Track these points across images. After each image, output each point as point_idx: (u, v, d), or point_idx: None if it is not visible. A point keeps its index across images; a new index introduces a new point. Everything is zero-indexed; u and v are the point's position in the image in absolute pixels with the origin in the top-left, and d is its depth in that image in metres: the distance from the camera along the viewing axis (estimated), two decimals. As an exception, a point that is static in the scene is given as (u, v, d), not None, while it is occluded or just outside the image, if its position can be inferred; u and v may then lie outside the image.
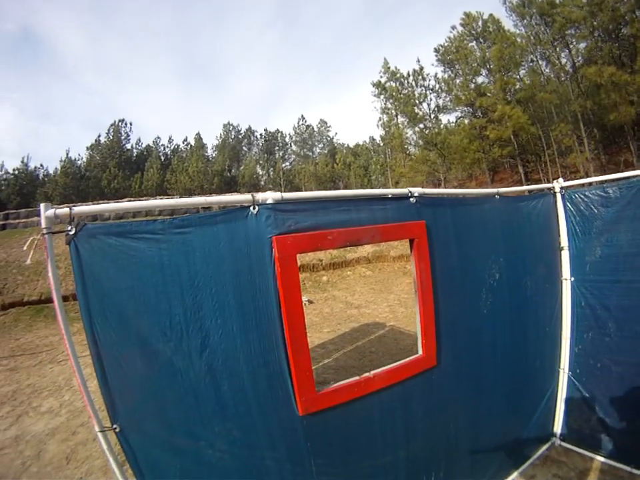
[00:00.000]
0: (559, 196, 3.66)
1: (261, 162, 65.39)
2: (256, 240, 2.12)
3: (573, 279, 3.62)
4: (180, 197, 30.53)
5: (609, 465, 3.37)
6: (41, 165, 54.69)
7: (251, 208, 2.12)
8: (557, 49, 31.05)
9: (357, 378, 2.42)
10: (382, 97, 42.13)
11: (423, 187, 2.79)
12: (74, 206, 1.86)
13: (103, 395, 1.91)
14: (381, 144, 54.32)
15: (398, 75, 40.55)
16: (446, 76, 37.99)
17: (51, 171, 53.79)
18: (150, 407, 2.03)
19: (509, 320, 3.31)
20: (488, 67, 32.98)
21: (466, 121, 37.63)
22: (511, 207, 3.39)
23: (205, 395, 2.06)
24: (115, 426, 1.92)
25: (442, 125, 40.49)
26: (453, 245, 2.90)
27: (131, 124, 59.71)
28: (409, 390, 2.65)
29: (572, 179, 3.80)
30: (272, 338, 2.16)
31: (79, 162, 54.96)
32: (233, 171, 64.07)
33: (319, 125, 67.87)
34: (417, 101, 39.80)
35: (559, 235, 3.66)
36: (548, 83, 31.20)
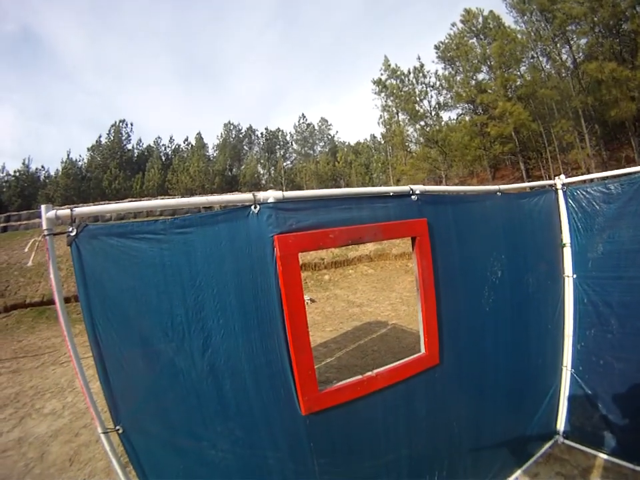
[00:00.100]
0: (560, 192, 3.64)
1: (262, 161, 65.48)
2: (257, 239, 2.11)
3: (575, 275, 3.61)
4: (181, 197, 30.54)
5: (612, 463, 3.37)
6: (42, 167, 54.94)
7: (252, 207, 2.11)
8: (558, 45, 31.03)
9: (359, 377, 2.41)
10: (383, 94, 42.16)
11: (424, 185, 2.78)
12: (75, 207, 1.86)
13: (106, 396, 1.90)
14: (382, 142, 54.43)
15: (398, 73, 40.53)
16: (446, 73, 38.05)
17: (52, 173, 54.09)
18: (152, 408, 2.03)
19: (511, 317, 3.30)
20: (488, 63, 32.97)
21: (467, 118, 37.60)
22: (513, 204, 3.39)
23: (207, 395, 2.05)
24: (117, 427, 1.92)
25: (443, 122, 40.46)
26: (454, 243, 2.89)
27: (131, 124, 59.90)
28: (412, 388, 2.65)
29: (573, 176, 3.80)
30: (274, 337, 2.15)
31: (80, 163, 55.15)
32: (234, 170, 64.13)
33: (320, 124, 67.94)
34: (418, 98, 39.78)
35: (561, 232, 3.65)
36: (549, 79, 31.23)
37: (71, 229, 1.80)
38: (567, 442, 3.71)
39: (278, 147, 67.93)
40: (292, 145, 68.36)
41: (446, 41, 36.94)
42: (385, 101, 42.57)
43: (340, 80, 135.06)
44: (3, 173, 50.15)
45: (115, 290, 1.91)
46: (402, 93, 40.28)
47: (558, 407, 3.73)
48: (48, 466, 4.36)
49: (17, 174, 50.16)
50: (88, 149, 56.69)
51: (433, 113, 40.43)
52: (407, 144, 42.24)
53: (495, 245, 3.18)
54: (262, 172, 64.82)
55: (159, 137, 63.64)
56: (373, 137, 65.23)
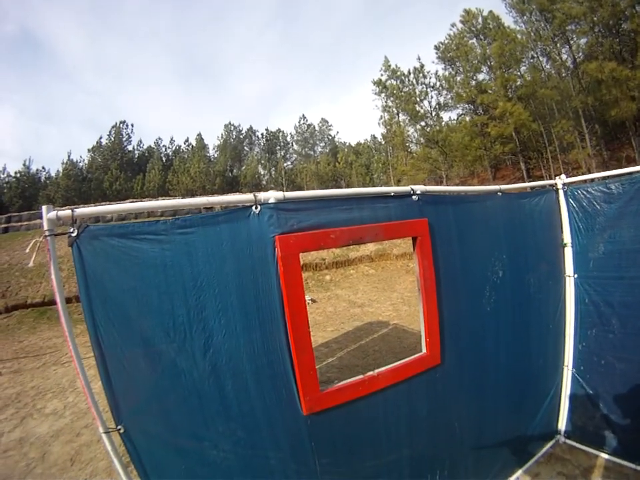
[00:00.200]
0: (561, 192, 3.64)
1: (262, 162, 65.48)
2: (258, 239, 2.11)
3: (576, 275, 3.61)
4: (182, 198, 30.56)
5: (613, 462, 3.37)
6: (43, 168, 54.97)
7: (253, 207, 2.11)
8: (558, 45, 31.04)
9: (360, 377, 2.42)
10: (383, 95, 42.17)
11: (424, 185, 2.78)
12: (76, 208, 1.86)
13: (107, 396, 1.91)
14: (383, 142, 54.39)
15: (399, 73, 40.55)
16: (447, 73, 38.06)
17: (53, 174, 54.14)
18: (154, 408, 2.04)
19: (512, 317, 3.30)
20: (488, 63, 32.97)
21: (467, 118, 37.59)
22: (514, 204, 3.38)
23: (209, 395, 2.05)
24: (119, 427, 1.92)
25: (443, 123, 40.50)
26: (455, 243, 2.89)
27: (132, 125, 60.04)
28: (413, 388, 2.65)
29: (574, 175, 3.79)
30: (275, 337, 2.15)
31: (81, 164, 55.19)
32: (234, 171, 64.16)
33: (320, 124, 67.93)
34: (418, 99, 39.81)
35: (562, 232, 3.65)
36: (549, 79, 31.23)
37: (72, 230, 1.80)
38: (568, 442, 3.71)
39: (278, 147, 67.93)
40: (292, 145, 68.44)
41: (446, 42, 36.97)
42: (385, 102, 42.62)
43: (340, 80, 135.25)
44: (3, 174, 50.23)
45: (116, 290, 1.91)
46: (402, 93, 40.31)
47: (559, 407, 3.73)
48: (49, 466, 4.36)
49: (18, 175, 50.20)
50: (88, 150, 56.81)
51: (434, 113, 40.50)
52: (407, 144, 42.27)
53: (496, 245, 3.18)
54: (262, 173, 64.85)
55: (160, 138, 63.80)
56: (374, 137, 65.31)
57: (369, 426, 2.51)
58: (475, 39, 35.28)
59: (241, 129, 67.10)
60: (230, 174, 62.33)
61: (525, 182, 28.44)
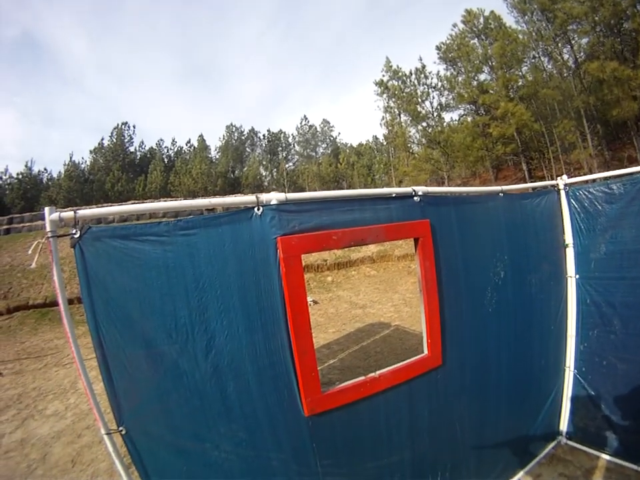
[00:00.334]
0: (563, 193, 3.64)
1: (264, 163, 65.51)
2: (260, 241, 2.12)
3: (577, 276, 3.61)
4: (184, 199, 30.59)
5: (615, 463, 3.36)
6: (45, 169, 54.92)
7: (255, 209, 2.12)
8: (559, 44, 30.99)
9: (362, 378, 2.42)
10: (384, 95, 42.14)
11: (426, 186, 2.78)
12: (78, 209, 1.86)
13: (109, 397, 1.91)
14: (384, 143, 54.37)
15: (400, 74, 40.52)
16: (448, 74, 37.96)
17: (55, 175, 54.16)
18: (156, 409, 2.04)
19: (514, 318, 3.30)
20: (490, 64, 32.90)
21: (469, 119, 37.53)
22: (515, 205, 3.38)
23: (211, 396, 2.06)
24: (120, 428, 1.92)
25: (445, 123, 40.43)
26: (457, 244, 2.89)
27: (134, 127, 60.00)
28: (415, 390, 2.65)
29: (576, 176, 3.79)
30: (277, 339, 2.16)
31: (83, 165, 55.31)
32: (236, 172, 64.20)
33: (322, 125, 67.93)
34: (420, 99, 39.77)
35: (564, 232, 3.65)
36: (550, 79, 31.18)
37: (74, 231, 1.80)
38: (569, 443, 3.70)
39: (280, 148, 67.94)
40: (294, 146, 68.39)
41: (447, 42, 36.88)
42: (387, 102, 42.58)
43: (342, 81, 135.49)
44: (6, 175, 50.24)
45: (118, 291, 1.91)
46: (404, 94, 40.28)
47: (561, 408, 3.73)
48: (50, 467, 4.37)
49: (20, 176, 50.25)
50: (90, 152, 56.94)
51: (435, 114, 40.42)
52: (409, 145, 42.24)
53: (498, 246, 3.18)
54: (264, 174, 64.86)
55: (161, 139, 64.16)
56: (375, 138, 65.25)
57: (370, 427, 2.51)
58: (476, 39, 35.22)
59: (242, 130, 67.25)
60: (232, 175, 62.38)
61: (526, 182, 28.37)
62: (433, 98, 40.16)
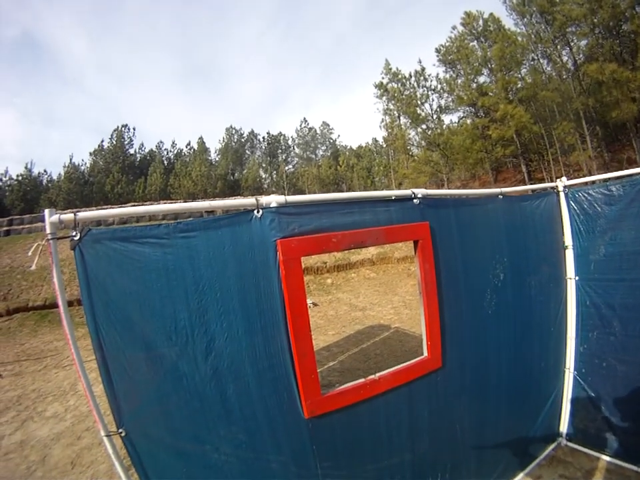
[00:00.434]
0: (562, 195, 3.65)
1: (263, 165, 65.54)
2: (260, 243, 2.12)
3: (577, 278, 3.61)
4: (183, 201, 30.59)
5: (615, 465, 3.36)
6: (45, 171, 54.92)
7: (255, 211, 2.12)
8: (558, 46, 31.03)
9: (362, 380, 2.42)
10: (384, 98, 42.16)
11: (426, 188, 2.79)
12: (78, 211, 1.86)
13: (109, 399, 1.91)
14: (384, 145, 54.35)
15: (400, 76, 40.54)
16: (447, 76, 37.97)
17: (55, 177, 54.12)
18: (155, 411, 2.04)
19: (513, 320, 3.30)
20: (489, 66, 32.93)
21: (468, 121, 37.52)
22: (515, 207, 3.39)
23: (211, 398, 2.06)
24: (120, 430, 1.92)
25: (444, 126, 40.45)
26: (457, 246, 2.90)
27: (134, 129, 60.00)
28: (415, 392, 2.65)
29: (575, 178, 3.79)
30: (277, 341, 2.16)
31: (83, 167, 55.25)
32: (236, 174, 64.20)
33: (322, 127, 68.01)
34: (419, 102, 39.77)
35: (563, 234, 3.66)
36: (550, 81, 31.19)
37: (74, 233, 1.81)
38: (570, 444, 3.70)
39: (280, 151, 68.02)
40: (294, 149, 68.46)
41: (447, 44, 36.94)
42: (387, 105, 42.61)
43: (341, 84, 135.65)
44: (5, 177, 50.24)
45: (118, 294, 1.91)
46: (403, 96, 40.30)
47: (561, 410, 3.73)
48: (50, 469, 4.36)
49: (20, 178, 50.21)
50: (90, 154, 56.89)
51: (435, 116, 40.42)
52: (408, 147, 42.24)
53: (497, 248, 3.19)
54: (264, 176, 64.86)
55: (161, 142, 64.00)
56: (375, 140, 65.23)
57: (370, 429, 2.51)
58: (475, 41, 35.24)
59: (242, 132, 67.31)
60: (231, 177, 62.38)
61: (526, 184, 28.33)
62: (433, 100, 40.20)
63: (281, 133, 68.51)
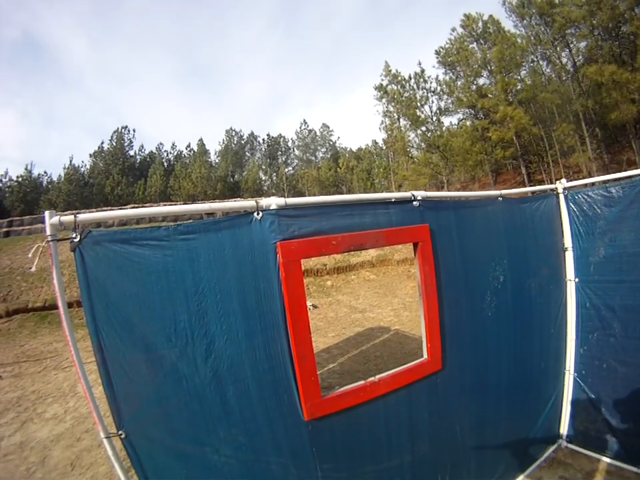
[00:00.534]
0: (562, 197, 3.65)
1: (263, 167, 65.61)
2: (260, 246, 2.12)
3: (577, 279, 3.61)
4: (183, 203, 30.59)
5: (615, 466, 3.36)
6: (45, 172, 54.98)
7: (255, 214, 2.12)
8: (558, 48, 31.08)
9: (362, 382, 2.42)
10: (384, 100, 42.15)
11: (425, 190, 2.79)
12: (78, 213, 1.87)
13: (109, 401, 1.91)
14: (384, 147, 54.35)
15: (399, 78, 40.55)
16: (447, 78, 38.00)
17: (55, 178, 54.12)
18: (155, 413, 2.04)
19: (513, 322, 3.30)
20: (489, 68, 32.96)
21: (468, 123, 37.55)
22: (515, 209, 3.39)
23: (210, 400, 2.06)
24: (120, 432, 1.92)
25: (444, 127, 40.44)
26: (456, 248, 2.90)
27: (134, 130, 60.10)
28: (415, 394, 2.65)
29: (575, 179, 3.80)
30: (277, 343, 2.16)
31: (83, 169, 55.25)
32: (235, 176, 64.25)
33: (322, 130, 68.16)
34: (419, 104, 39.78)
35: (563, 236, 3.66)
36: (549, 83, 31.25)
37: (74, 235, 1.81)
38: (570, 446, 3.70)
39: (280, 153, 68.12)
40: (294, 151, 68.60)
41: (446, 46, 36.98)
42: (386, 107, 42.62)
43: (341, 86, 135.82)
44: (5, 178, 50.28)
45: (118, 296, 1.92)
46: (403, 98, 40.31)
47: (561, 411, 3.73)
48: (49, 470, 4.36)
49: (20, 179, 50.20)
50: (90, 155, 56.92)
51: (434, 118, 40.42)
52: (408, 149, 42.23)
53: (497, 250, 3.19)
54: (264, 178, 64.90)
55: (161, 143, 64.00)
56: (375, 142, 65.23)
57: (370, 431, 2.50)
58: (475, 43, 35.29)
59: (242, 134, 67.46)
60: (231, 179, 62.41)
61: (525, 186, 28.34)
62: (432, 102, 40.20)
63: (280, 134, 68.77)
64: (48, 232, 1.80)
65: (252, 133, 67.99)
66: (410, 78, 40.47)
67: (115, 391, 1.92)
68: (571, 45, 30.53)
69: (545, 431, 3.62)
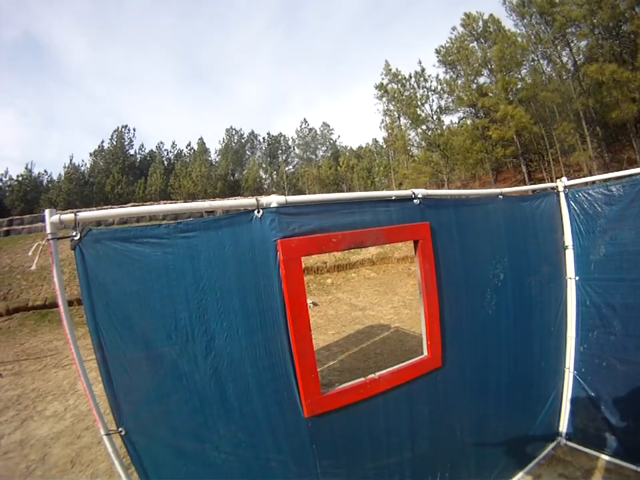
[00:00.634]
0: (562, 195, 3.65)
1: (264, 166, 65.58)
2: (260, 243, 2.13)
3: (577, 277, 3.61)
4: (184, 202, 30.55)
5: (614, 464, 3.36)
6: (45, 171, 55.02)
7: (255, 212, 2.13)
8: (558, 47, 31.06)
9: (362, 379, 2.42)
10: (384, 99, 42.16)
11: (426, 188, 2.79)
12: (78, 211, 1.86)
13: (109, 398, 1.91)
14: (384, 146, 54.35)
15: (400, 77, 40.54)
16: (447, 77, 37.98)
17: (55, 177, 54.17)
18: (155, 410, 2.04)
19: (513, 320, 3.31)
20: (489, 67, 32.93)
21: (468, 122, 37.51)
22: (515, 207, 3.39)
23: (210, 397, 2.06)
24: (120, 429, 1.92)
25: (444, 126, 40.48)
26: (457, 246, 2.90)
27: (134, 129, 60.18)
28: (414, 391, 2.65)
29: (575, 178, 3.80)
30: (277, 340, 2.16)
31: (83, 168, 55.32)
32: (236, 175, 64.24)
33: (322, 128, 68.12)
34: (419, 103, 39.77)
35: (563, 234, 3.66)
36: (549, 82, 31.22)
37: (74, 233, 1.81)
38: (569, 443, 3.71)
39: (280, 151, 68.08)
40: (294, 149, 68.56)
41: (447, 45, 36.93)
42: (387, 106, 42.62)
43: (342, 84, 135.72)
44: (6, 177, 50.31)
45: (118, 293, 1.92)
46: (403, 97, 40.29)
47: (560, 409, 3.73)
48: (49, 468, 4.36)
49: (20, 178, 50.24)
50: (90, 154, 57.00)
51: (435, 117, 40.42)
52: (408, 148, 42.24)
53: (497, 248, 3.19)
54: (264, 177, 64.92)
55: (161, 142, 64.07)
56: (375, 141, 65.27)
57: (370, 428, 2.51)
58: (475, 42, 35.24)
59: (242, 133, 67.43)
60: (231, 178, 62.41)
61: (526, 185, 28.32)
62: (433, 101, 40.19)
63: (281, 133, 68.79)
64: (48, 230, 1.80)
65: (252, 132, 68.07)
66: (410, 77, 40.50)
67: (115, 389, 1.92)
68: (572, 44, 30.51)
69: (544, 428, 3.62)
